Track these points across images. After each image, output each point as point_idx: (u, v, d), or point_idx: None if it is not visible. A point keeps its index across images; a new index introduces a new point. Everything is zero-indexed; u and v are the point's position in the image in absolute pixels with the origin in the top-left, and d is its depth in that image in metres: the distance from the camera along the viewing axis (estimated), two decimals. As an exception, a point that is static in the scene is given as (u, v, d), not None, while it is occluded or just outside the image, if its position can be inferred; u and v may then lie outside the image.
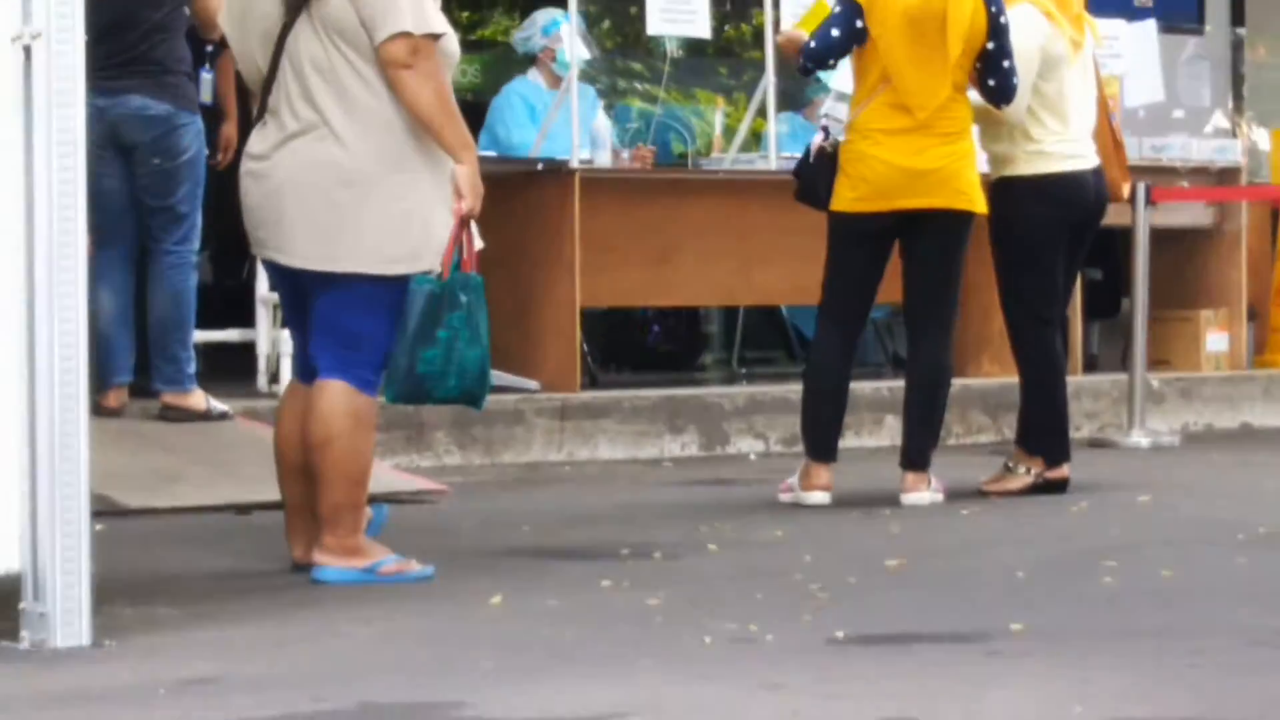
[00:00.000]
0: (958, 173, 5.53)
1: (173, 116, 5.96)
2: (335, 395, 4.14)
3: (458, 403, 4.69)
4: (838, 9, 5.64)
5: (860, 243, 5.66)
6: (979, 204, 5.58)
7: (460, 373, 4.40)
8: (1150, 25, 8.77)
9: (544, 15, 7.74)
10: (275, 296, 6.68)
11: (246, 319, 7.37)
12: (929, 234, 5.66)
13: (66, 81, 3.48)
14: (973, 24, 5.42)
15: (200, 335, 6.95)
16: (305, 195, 4.03)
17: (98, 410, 6.24)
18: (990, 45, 5.46)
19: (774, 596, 4.38)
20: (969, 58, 5.49)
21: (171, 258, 6.16)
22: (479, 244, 4.57)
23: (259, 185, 4.09)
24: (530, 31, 7.82)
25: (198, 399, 6.16)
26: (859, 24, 5.42)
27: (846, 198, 5.52)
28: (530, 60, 8.02)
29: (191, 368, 6.25)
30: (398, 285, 3.88)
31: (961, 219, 5.62)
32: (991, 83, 5.54)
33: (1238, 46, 10.02)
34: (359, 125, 4.03)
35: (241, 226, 4.34)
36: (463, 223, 4.02)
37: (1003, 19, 5.51)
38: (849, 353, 5.80)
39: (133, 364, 6.28)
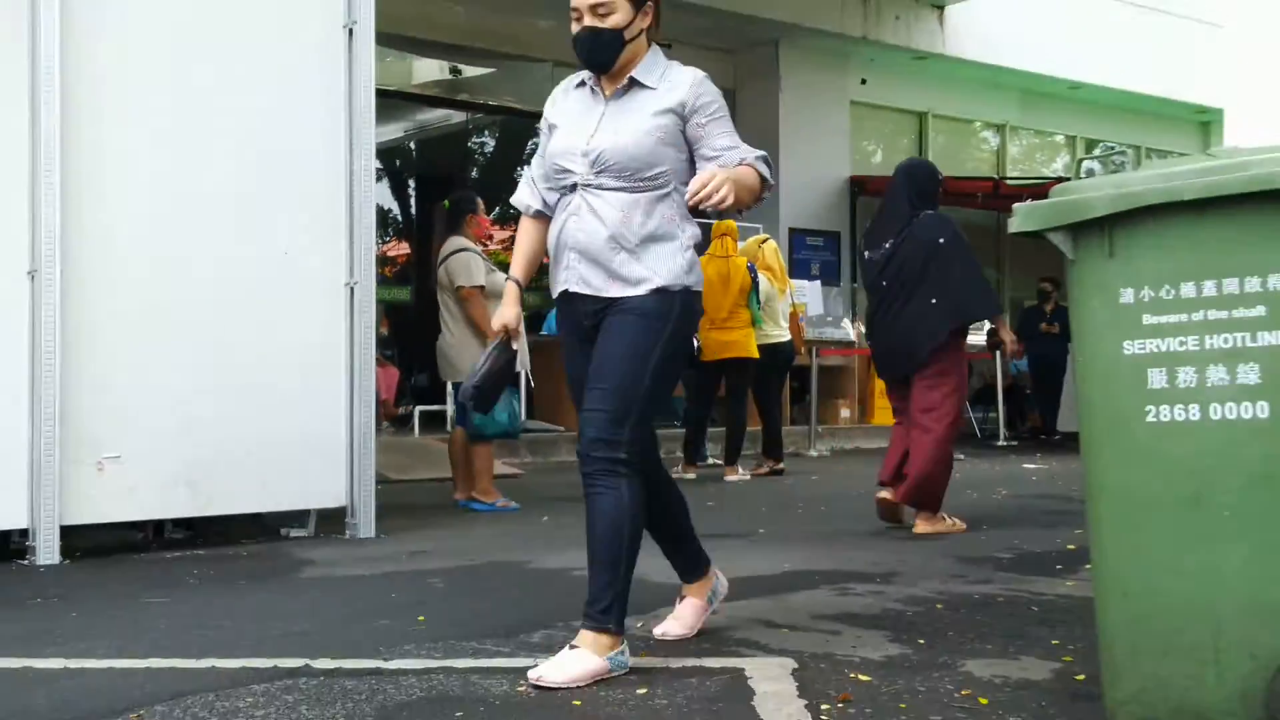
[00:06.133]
0: (738, 341, 10.10)
1: None
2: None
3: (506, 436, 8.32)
4: None
5: (705, 371, 10.23)
6: (753, 353, 10.17)
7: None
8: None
9: None
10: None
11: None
12: (730, 370, 10.26)
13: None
14: (737, 285, 10.15)
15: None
16: None
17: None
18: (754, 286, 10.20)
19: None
20: (738, 295, 10.08)
21: None
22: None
23: None
24: None
25: None
26: None
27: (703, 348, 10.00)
28: None
29: None
30: None
31: (743, 362, 10.20)
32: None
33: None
34: (456, 325, 7.66)
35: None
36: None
37: (755, 276, 10.36)
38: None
39: None
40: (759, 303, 10.32)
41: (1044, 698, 3.45)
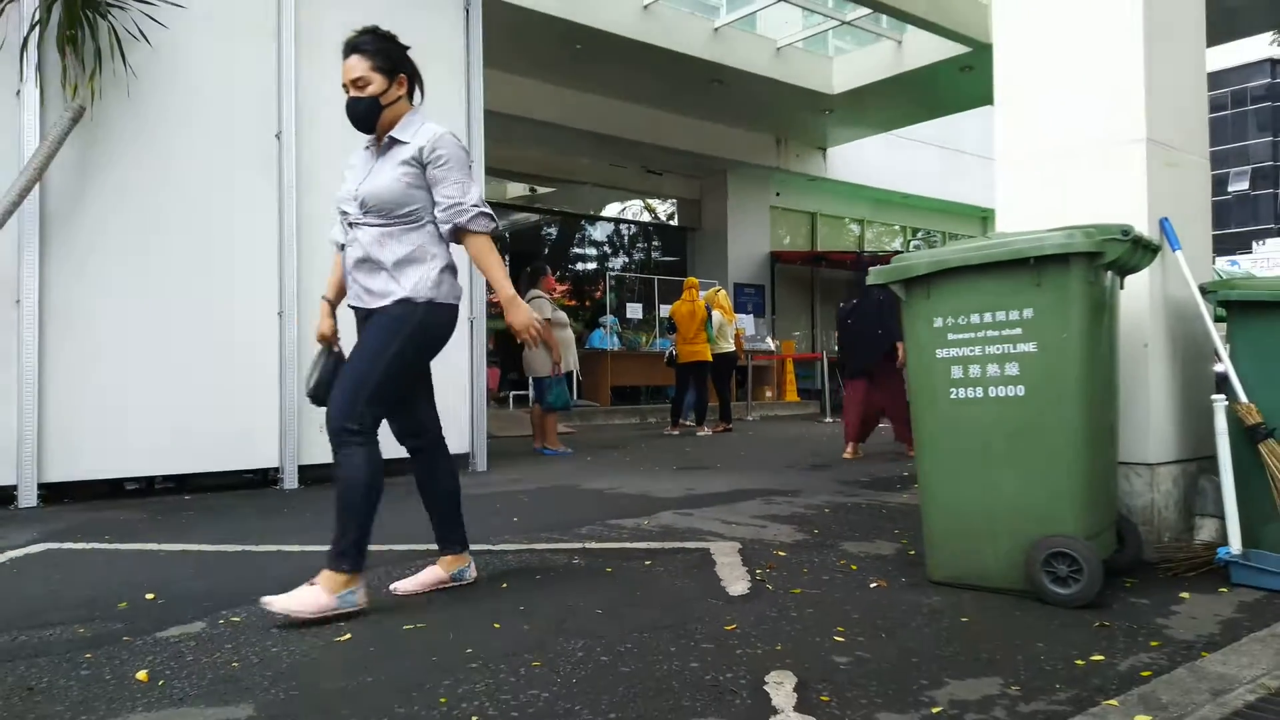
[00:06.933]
0: (700, 350, 9.89)
1: None
2: None
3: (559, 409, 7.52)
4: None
5: (681, 369, 10.01)
6: (709, 358, 9.95)
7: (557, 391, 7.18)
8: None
9: None
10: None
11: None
12: (695, 368, 10.03)
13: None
14: (700, 317, 9.85)
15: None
16: None
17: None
18: (709, 318, 9.99)
19: (660, 459, 6.36)
20: (699, 323, 9.82)
21: None
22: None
23: None
24: None
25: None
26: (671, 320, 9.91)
27: (679, 355, 9.90)
28: None
29: None
30: None
31: (704, 363, 10.00)
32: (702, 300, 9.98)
33: None
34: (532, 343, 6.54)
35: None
36: None
37: (710, 311, 10.09)
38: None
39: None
40: (713, 328, 10.40)
41: (890, 565, 3.43)
